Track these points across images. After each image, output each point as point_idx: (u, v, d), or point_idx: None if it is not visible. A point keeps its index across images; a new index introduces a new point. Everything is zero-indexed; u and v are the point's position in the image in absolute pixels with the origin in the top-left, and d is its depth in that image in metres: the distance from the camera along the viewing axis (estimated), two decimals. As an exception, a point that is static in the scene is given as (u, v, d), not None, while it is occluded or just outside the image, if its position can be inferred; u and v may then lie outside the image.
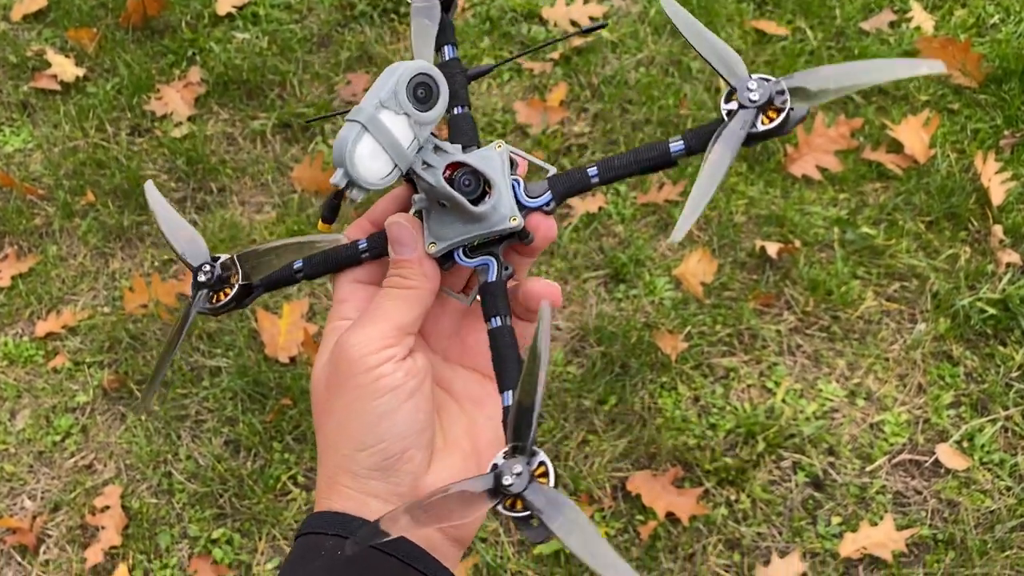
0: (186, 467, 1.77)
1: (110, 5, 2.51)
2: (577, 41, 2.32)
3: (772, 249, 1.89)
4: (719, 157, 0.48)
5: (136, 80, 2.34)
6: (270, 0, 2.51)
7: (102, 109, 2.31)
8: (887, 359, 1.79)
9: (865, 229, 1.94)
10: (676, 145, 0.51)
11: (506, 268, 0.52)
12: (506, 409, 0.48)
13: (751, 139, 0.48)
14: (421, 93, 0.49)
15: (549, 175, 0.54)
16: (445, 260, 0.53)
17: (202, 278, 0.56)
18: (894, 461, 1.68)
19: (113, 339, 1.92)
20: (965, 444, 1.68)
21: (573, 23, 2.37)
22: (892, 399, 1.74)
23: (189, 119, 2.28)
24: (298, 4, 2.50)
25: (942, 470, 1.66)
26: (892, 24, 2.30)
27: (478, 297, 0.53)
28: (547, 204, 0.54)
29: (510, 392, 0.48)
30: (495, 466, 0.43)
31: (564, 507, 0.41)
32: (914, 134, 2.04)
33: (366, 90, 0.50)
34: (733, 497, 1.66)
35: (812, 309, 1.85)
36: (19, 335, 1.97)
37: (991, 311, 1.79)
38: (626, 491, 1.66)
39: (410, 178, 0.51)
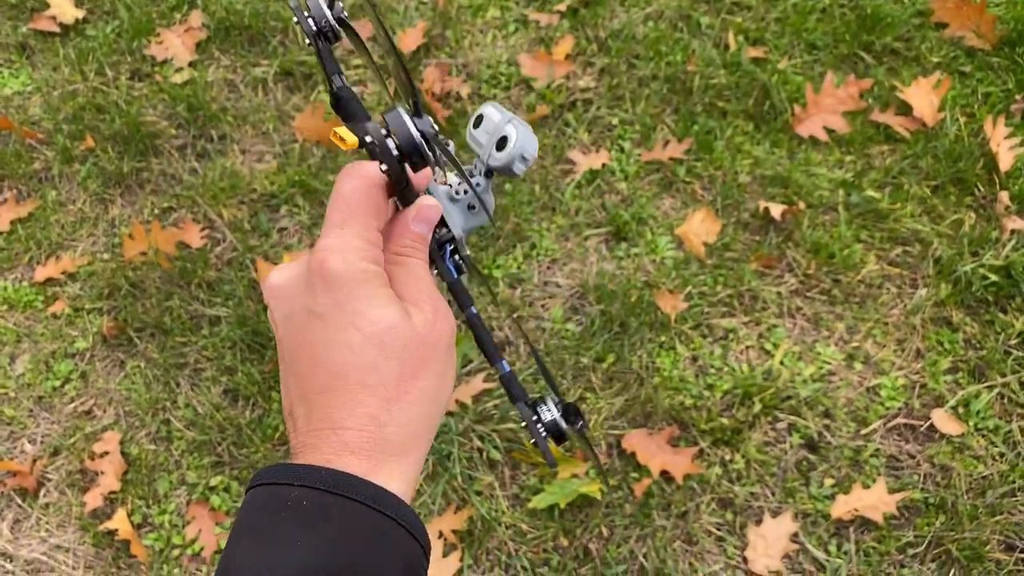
0: (185, 415, 1.78)
1: (110, -55, 2.46)
2: (585, -7, 2.28)
3: (776, 210, 1.88)
4: None
5: (136, 23, 2.30)
6: (273, -56, 2.46)
7: (102, 52, 2.27)
8: (887, 323, 1.79)
9: (870, 192, 1.92)
10: None
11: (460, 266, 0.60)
12: (505, 376, 0.58)
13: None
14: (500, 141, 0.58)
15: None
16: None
17: None
18: (889, 425, 1.69)
19: (112, 286, 1.92)
20: (961, 410, 1.69)
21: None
22: (890, 363, 1.75)
23: (190, 64, 2.25)
24: (301, -52, 2.45)
25: (936, 435, 1.67)
26: (907, -18, 2.25)
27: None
28: None
29: (504, 361, 0.57)
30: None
31: None
32: (924, 96, 2.01)
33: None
34: (728, 457, 1.67)
35: (814, 272, 1.84)
36: (18, 280, 1.97)
37: (993, 278, 1.78)
38: (621, 449, 1.67)
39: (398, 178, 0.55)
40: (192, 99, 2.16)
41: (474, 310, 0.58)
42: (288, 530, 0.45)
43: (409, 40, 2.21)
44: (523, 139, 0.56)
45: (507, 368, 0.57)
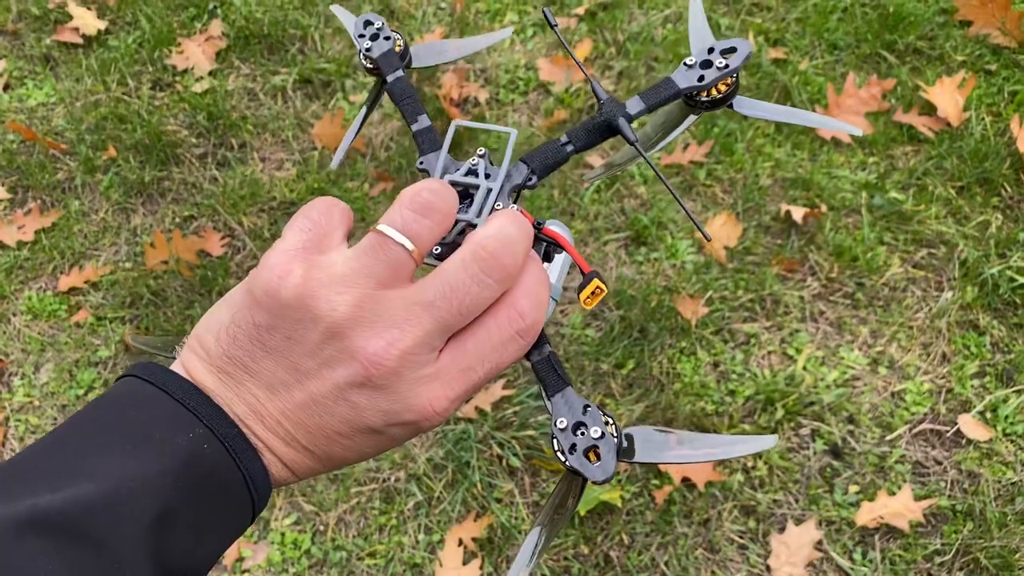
0: (206, 423, 1.78)
1: (131, -44, 2.49)
2: (603, -4, 2.27)
3: (798, 213, 1.86)
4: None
5: (157, 34, 2.32)
6: (292, -48, 2.47)
7: (124, 63, 2.30)
8: (911, 327, 1.76)
9: (894, 194, 1.89)
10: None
11: None
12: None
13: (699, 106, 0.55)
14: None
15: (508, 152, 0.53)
16: None
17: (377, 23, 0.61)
18: (915, 431, 1.66)
19: (134, 294, 1.93)
20: (988, 415, 1.66)
21: (599, -23, 2.32)
22: (915, 368, 1.72)
23: (210, 74, 2.27)
24: (320, -44, 2.46)
25: (963, 440, 1.64)
26: (930, -20, 2.22)
27: None
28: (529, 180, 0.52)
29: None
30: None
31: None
32: (948, 96, 1.98)
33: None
34: (750, 464, 1.65)
35: (836, 275, 1.82)
36: (42, 289, 1.99)
37: (1021, 280, 1.75)
38: (642, 455, 1.65)
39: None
40: (212, 108, 2.17)
41: None
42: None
43: (427, 46, 2.21)
44: (556, 288, 0.58)
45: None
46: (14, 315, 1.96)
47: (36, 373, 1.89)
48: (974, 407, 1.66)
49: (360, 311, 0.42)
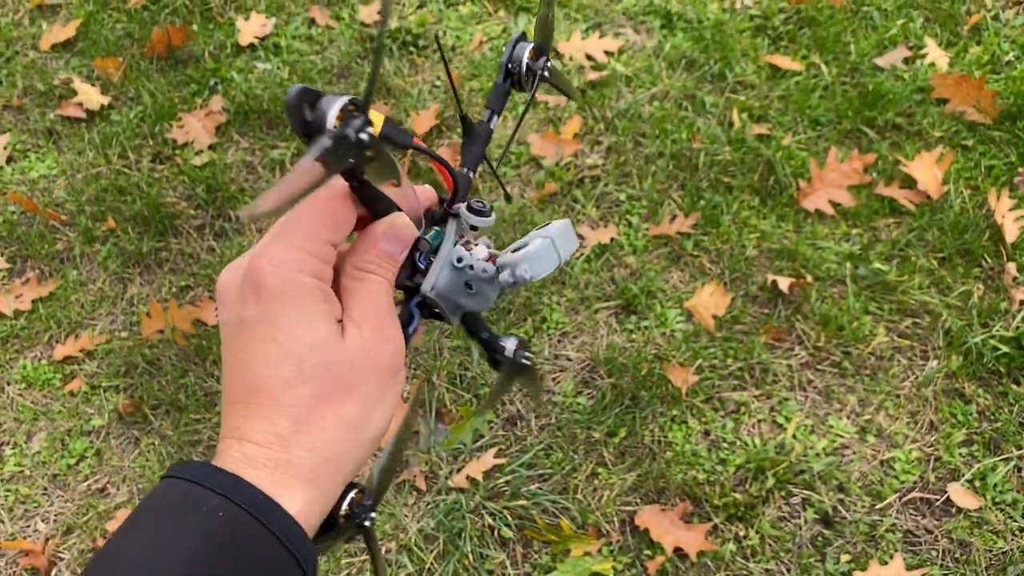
0: (197, 492, 1.78)
1: (136, 35, 2.57)
2: (592, 75, 2.34)
3: (784, 283, 1.90)
4: None
5: (159, 108, 2.39)
6: (291, 31, 2.56)
7: (125, 137, 2.35)
8: (898, 396, 1.78)
9: (877, 265, 1.93)
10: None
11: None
12: None
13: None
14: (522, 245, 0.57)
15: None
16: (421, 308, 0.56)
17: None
18: (904, 499, 1.67)
19: (129, 364, 1.94)
20: (977, 483, 1.67)
21: (588, 57, 2.40)
22: (903, 436, 1.73)
23: (210, 147, 2.32)
24: (319, 36, 2.55)
25: (953, 509, 1.65)
26: (906, 60, 2.31)
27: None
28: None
29: None
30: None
31: None
32: (928, 170, 2.04)
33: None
34: (742, 533, 1.65)
35: (823, 344, 1.85)
36: (38, 358, 2.00)
37: (1004, 349, 1.78)
38: (634, 525, 1.65)
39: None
40: (211, 180, 2.22)
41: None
42: (190, 534, 0.44)
43: (422, 122, 2.27)
44: (537, 255, 0.52)
45: None
46: (8, 384, 1.97)
47: (28, 442, 1.88)
48: (963, 475, 1.67)
49: None
